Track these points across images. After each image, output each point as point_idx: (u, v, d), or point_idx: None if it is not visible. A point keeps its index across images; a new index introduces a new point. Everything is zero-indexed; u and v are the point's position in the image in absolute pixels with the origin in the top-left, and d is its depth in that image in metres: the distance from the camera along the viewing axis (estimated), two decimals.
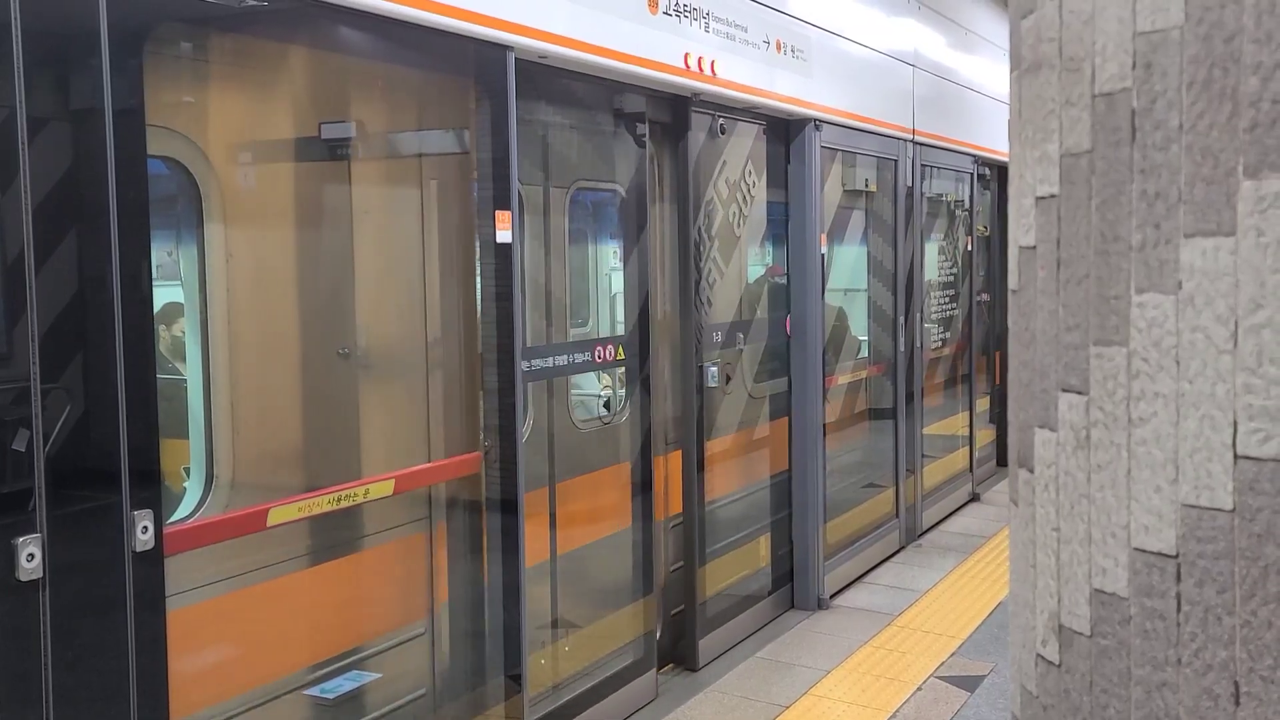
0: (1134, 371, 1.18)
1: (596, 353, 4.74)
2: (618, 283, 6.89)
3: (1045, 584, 1.34)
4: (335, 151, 3.88)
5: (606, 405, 5.34)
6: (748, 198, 5.95)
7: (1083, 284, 1.26)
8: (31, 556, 2.43)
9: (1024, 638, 1.41)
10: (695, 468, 5.29)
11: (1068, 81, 1.27)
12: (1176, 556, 1.14)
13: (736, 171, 5.83)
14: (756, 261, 6.38)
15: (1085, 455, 1.26)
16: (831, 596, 6.30)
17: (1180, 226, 1.13)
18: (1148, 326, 1.17)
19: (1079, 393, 1.27)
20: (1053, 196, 1.31)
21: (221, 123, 3.55)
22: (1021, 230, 1.40)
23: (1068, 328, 1.28)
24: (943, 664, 5.35)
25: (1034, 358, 1.37)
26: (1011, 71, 1.46)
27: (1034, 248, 1.36)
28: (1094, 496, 1.24)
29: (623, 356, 4.89)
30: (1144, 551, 1.17)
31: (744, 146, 5.87)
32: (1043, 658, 1.34)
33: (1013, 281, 1.45)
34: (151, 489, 2.71)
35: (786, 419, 6.23)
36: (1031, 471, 1.38)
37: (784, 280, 6.25)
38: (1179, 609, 1.13)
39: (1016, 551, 1.44)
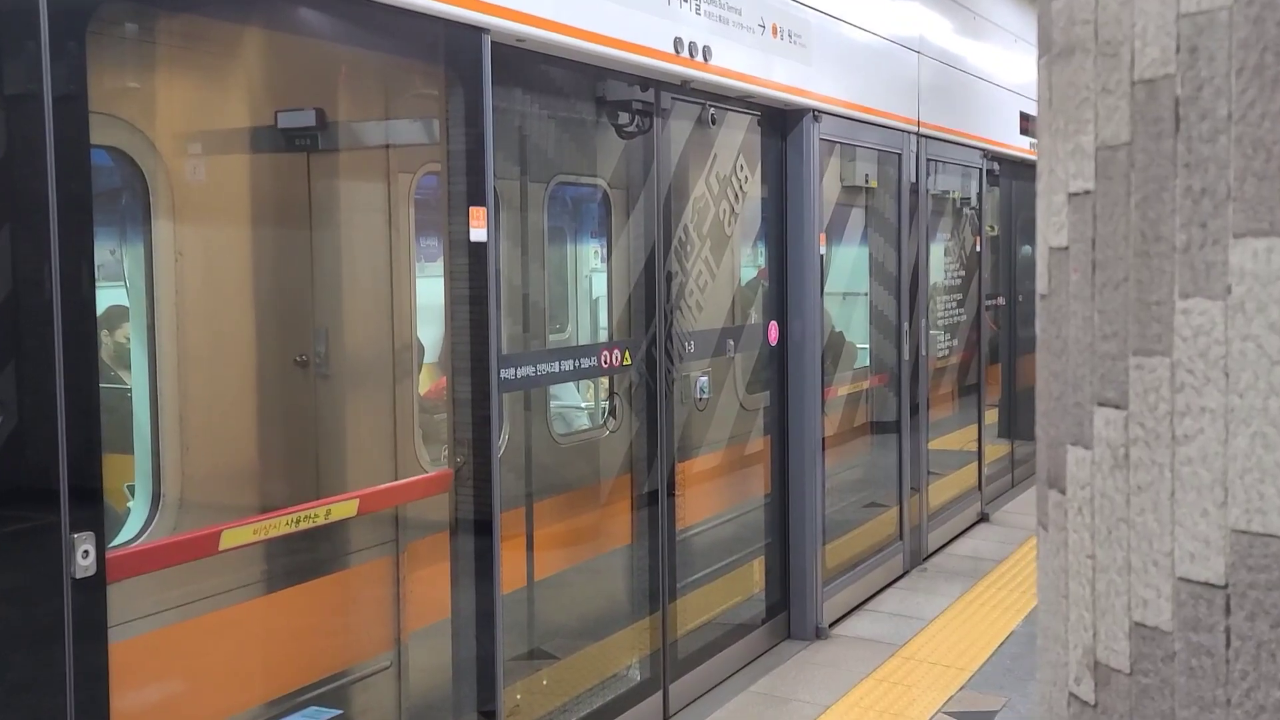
0: (1178, 384, 1.17)
1: (603, 358, 4.71)
2: (599, 285, 6.88)
3: (1079, 616, 1.32)
4: (294, 142, 3.85)
5: (601, 415, 5.32)
6: (739, 194, 5.94)
7: (1121, 288, 1.24)
8: None
9: (1054, 674, 1.40)
10: (665, 491, 5.18)
11: (1104, 67, 1.26)
12: (1226, 587, 1.12)
13: (727, 166, 5.83)
14: (750, 263, 6.38)
15: (1124, 475, 1.24)
16: (830, 625, 6.29)
17: (1229, 226, 1.12)
18: (1193, 335, 1.15)
19: (1117, 407, 1.25)
20: (1087, 193, 1.30)
21: (171, 110, 3.52)
22: (1052, 230, 1.38)
23: (1104, 336, 1.27)
24: (951, 698, 5.34)
25: (1066, 368, 1.35)
26: (1040, 57, 1.44)
27: (1066, 248, 1.34)
28: (1134, 521, 1.23)
29: (629, 362, 4.87)
30: (1189, 581, 1.16)
31: (735, 139, 5.86)
32: (1076, 697, 1.33)
33: (1042, 285, 1.43)
34: (93, 509, 2.67)
35: (774, 435, 6.20)
36: (1063, 493, 1.36)
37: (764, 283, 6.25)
38: (1228, 644, 1.12)
39: (1046, 580, 1.42)
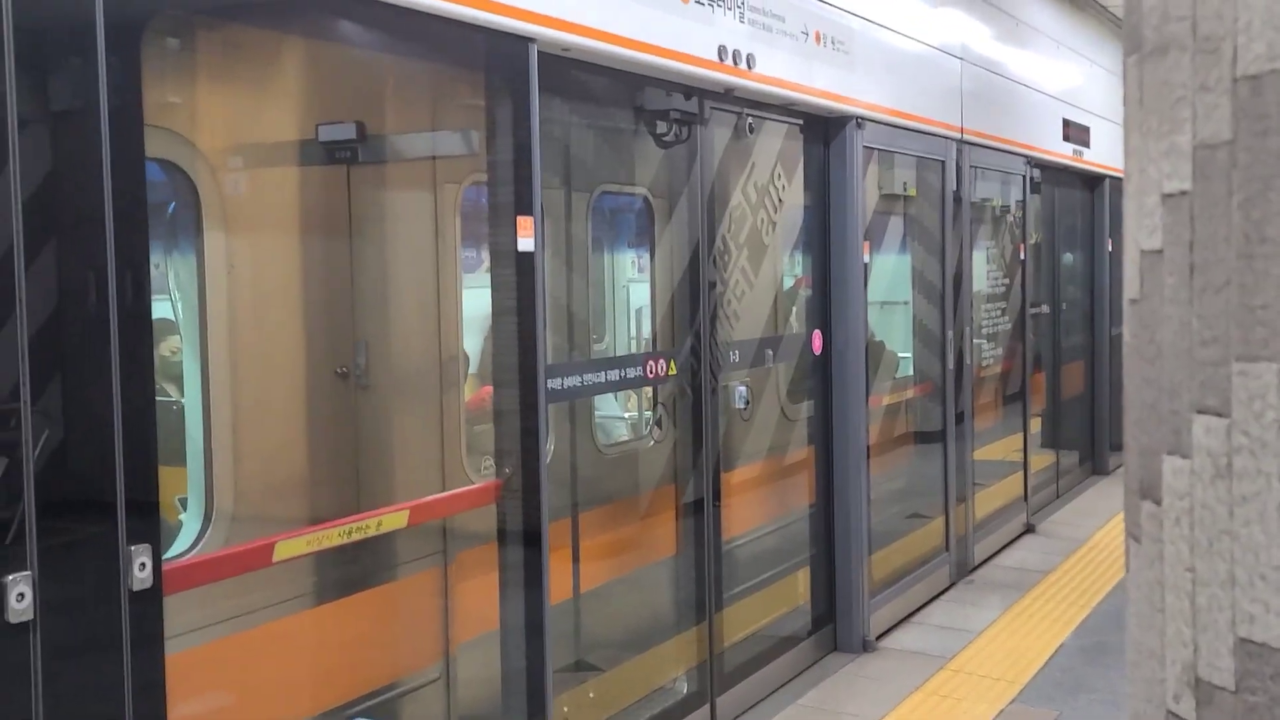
0: None
1: (648, 367, 4.69)
2: (637, 296, 6.86)
3: (1177, 630, 1.28)
4: (347, 154, 3.85)
5: (645, 425, 5.29)
6: (776, 203, 5.91)
7: (1222, 292, 1.20)
8: (21, 596, 2.39)
9: (1149, 691, 1.36)
10: (710, 501, 5.15)
11: (1202, 64, 1.22)
12: None
13: (765, 174, 5.80)
14: (788, 271, 6.34)
15: (1227, 486, 1.20)
16: (877, 637, 6.22)
17: None
18: None
19: (1218, 415, 1.21)
20: (1184, 194, 1.26)
21: (221, 122, 3.53)
22: (1144, 232, 1.35)
23: (1204, 341, 1.23)
24: (1002, 712, 5.27)
25: (1160, 375, 1.31)
26: (1128, 56, 1.41)
27: (1160, 251, 1.31)
28: (1238, 533, 1.19)
29: (674, 372, 4.84)
30: None
31: (774, 147, 5.83)
32: (1175, 715, 1.29)
33: (1132, 290, 1.40)
34: (149, 522, 2.67)
35: (818, 444, 6.16)
36: (1158, 504, 1.32)
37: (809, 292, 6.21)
38: None
39: (1140, 594, 1.38)
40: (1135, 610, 1.41)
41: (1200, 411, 1.24)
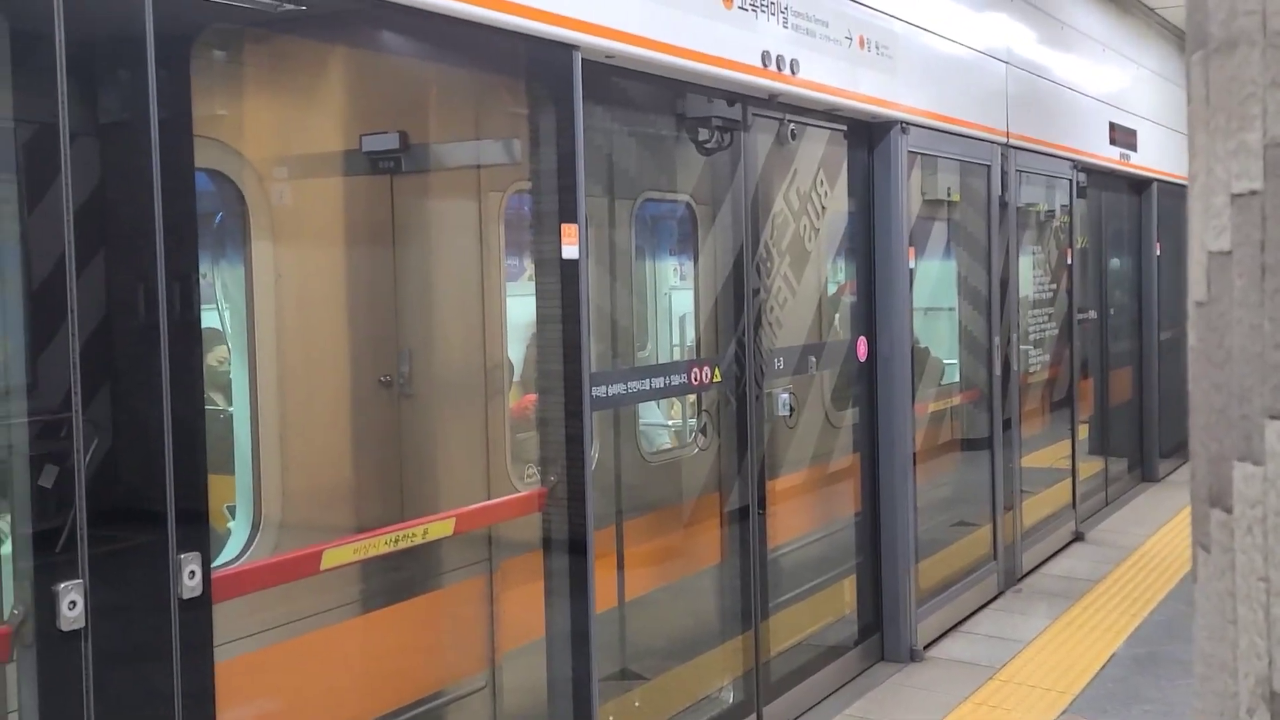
0: None
1: (692, 374, 4.66)
2: (679, 303, 6.84)
3: (1250, 642, 1.24)
4: (390, 163, 3.87)
5: (689, 432, 5.27)
6: (819, 209, 5.87)
7: None
8: (73, 604, 2.40)
9: (1220, 705, 1.32)
10: (755, 508, 5.12)
11: (1274, 59, 1.19)
12: None
13: (808, 181, 5.76)
14: (832, 278, 6.30)
15: None
16: (925, 647, 6.16)
17: None
18: None
19: None
20: (1254, 193, 1.22)
21: (267, 132, 3.55)
22: (1211, 233, 1.31)
23: (1276, 345, 1.19)
24: None
25: (1230, 379, 1.28)
26: (1192, 52, 1.37)
27: (1229, 253, 1.27)
28: None
29: (718, 379, 4.82)
30: None
31: (816, 153, 5.80)
32: None
33: (1199, 292, 1.36)
34: (199, 530, 2.68)
35: (863, 451, 6.11)
36: (1229, 512, 1.28)
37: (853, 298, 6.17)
38: None
39: (1209, 604, 1.35)
40: (1204, 622, 1.37)
41: (1273, 416, 1.20)
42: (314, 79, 3.77)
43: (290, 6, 3.29)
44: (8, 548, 2.67)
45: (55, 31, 2.42)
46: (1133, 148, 9.79)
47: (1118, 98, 9.52)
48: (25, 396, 2.58)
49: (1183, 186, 11.09)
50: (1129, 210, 10.62)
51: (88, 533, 2.45)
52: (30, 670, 2.42)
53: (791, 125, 5.32)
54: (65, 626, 2.40)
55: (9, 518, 2.67)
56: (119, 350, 2.62)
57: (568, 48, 3.82)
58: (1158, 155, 10.39)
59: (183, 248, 2.67)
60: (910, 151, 6.10)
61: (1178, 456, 11.18)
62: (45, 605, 2.39)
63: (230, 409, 3.86)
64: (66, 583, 2.40)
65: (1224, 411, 1.29)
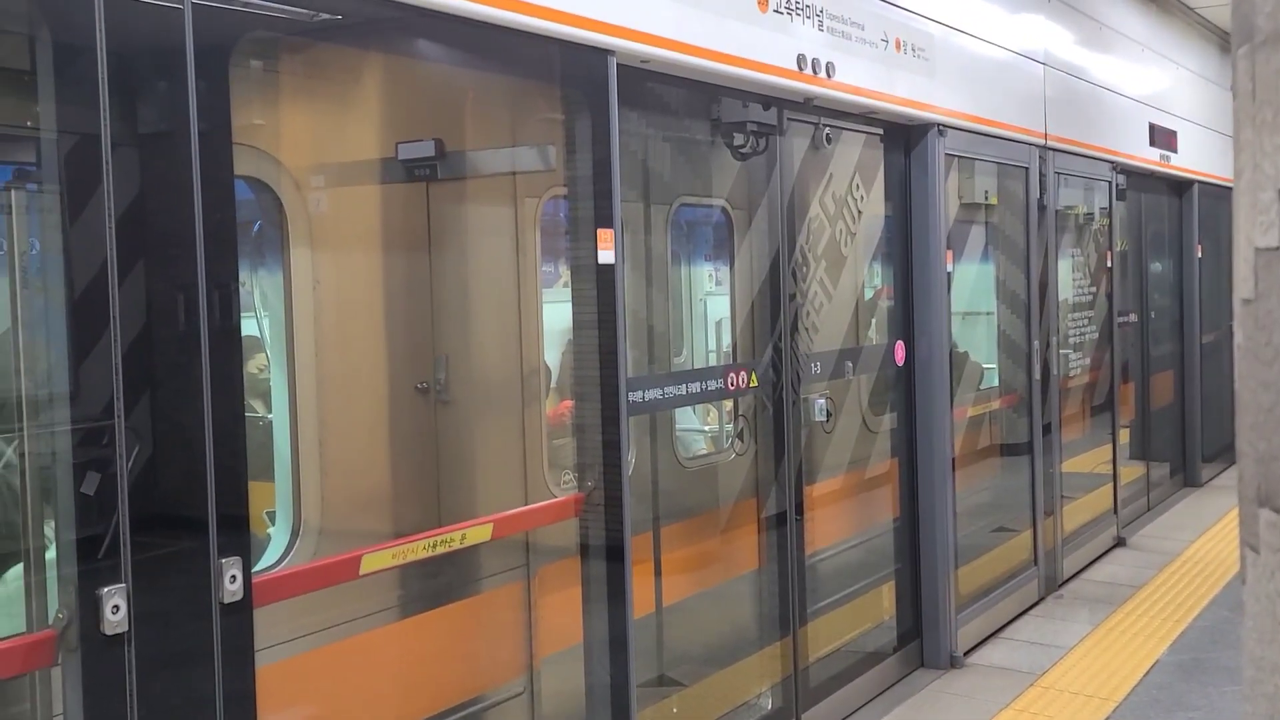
0: None
1: (729, 380, 4.65)
2: (714, 308, 6.82)
3: None
4: (426, 171, 3.88)
5: (725, 437, 5.25)
6: (855, 213, 5.85)
7: None
8: (116, 608, 2.42)
9: (1271, 708, 1.29)
10: (793, 514, 5.09)
11: None
12: None
13: (843, 184, 5.74)
14: (868, 282, 6.27)
15: None
16: (965, 653, 6.10)
17: None
18: None
19: None
20: None
21: (305, 140, 3.57)
22: (1259, 229, 1.29)
23: None
24: None
25: (1278, 377, 1.26)
26: (1238, 47, 1.35)
27: (1277, 249, 1.25)
28: None
29: (755, 384, 4.81)
30: None
31: (851, 156, 5.77)
32: None
33: (1246, 290, 1.34)
34: (239, 535, 2.70)
35: (902, 456, 6.07)
36: (1278, 512, 1.26)
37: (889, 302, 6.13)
38: None
39: (1259, 606, 1.32)
40: (1254, 624, 1.34)
41: None
42: (350, 87, 3.79)
43: (326, 16, 3.32)
44: (52, 553, 2.70)
45: (97, 44, 2.44)
46: (1173, 149, 9.68)
47: (1157, 98, 9.42)
48: (68, 404, 2.61)
49: (1225, 188, 11.00)
50: (1169, 212, 10.50)
51: (130, 538, 2.47)
52: (75, 674, 2.44)
53: (826, 130, 5.30)
54: (109, 630, 2.42)
55: (53, 524, 2.71)
56: (160, 358, 2.64)
57: (603, 53, 3.82)
58: (1198, 156, 10.26)
59: (223, 256, 2.69)
60: (948, 154, 6.06)
61: (1221, 461, 11.03)
62: (89, 610, 2.41)
63: (269, 416, 3.89)
64: (110, 587, 2.42)
65: (1272, 410, 1.27)
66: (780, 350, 4.97)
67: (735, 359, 5.30)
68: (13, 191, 3.14)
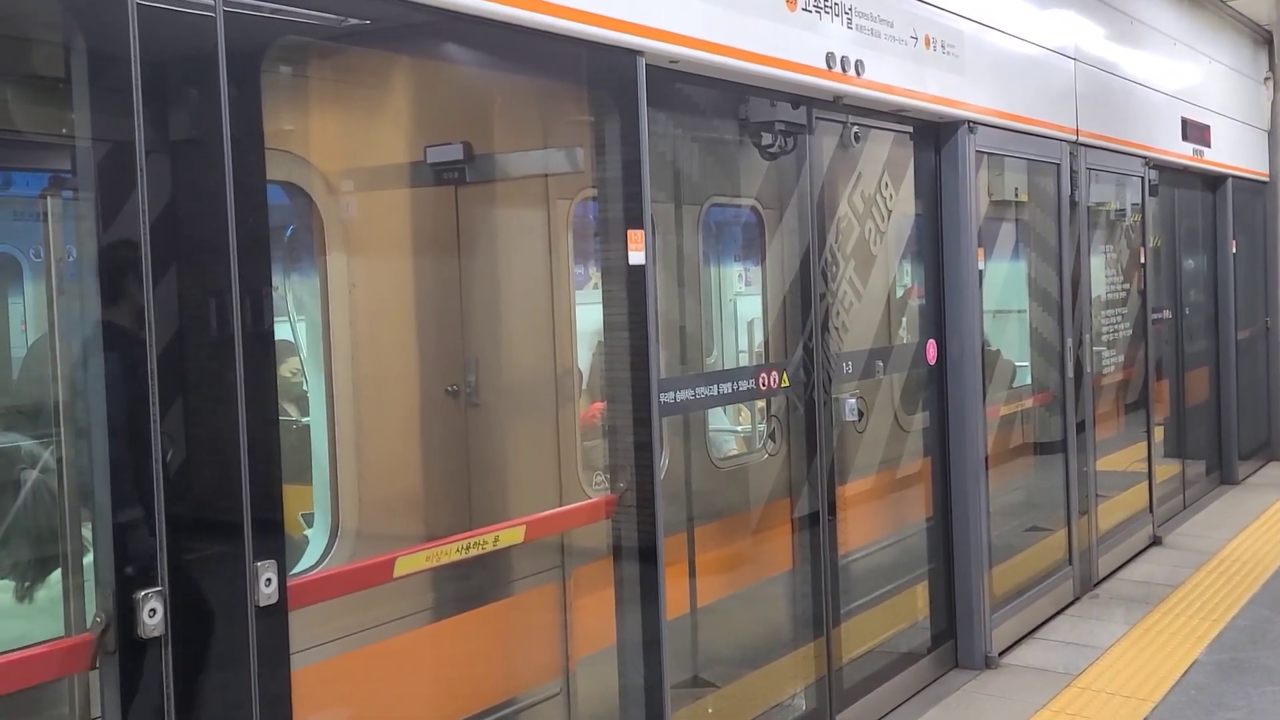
0: None
1: (760, 380, 4.63)
2: (744, 309, 6.80)
3: None
4: (455, 174, 3.89)
5: (758, 438, 5.23)
6: (885, 212, 5.81)
7: None
8: (153, 612, 2.43)
9: None
10: (826, 514, 5.06)
11: None
12: None
13: (873, 183, 5.71)
14: (898, 281, 6.23)
15: None
16: (1000, 654, 6.05)
17: None
18: None
19: None
20: None
21: (339, 144, 3.58)
22: None
23: None
24: None
25: None
26: None
27: None
28: None
29: (786, 384, 4.79)
30: None
31: (881, 154, 5.74)
32: None
33: None
34: (275, 538, 2.70)
35: (934, 455, 6.03)
36: None
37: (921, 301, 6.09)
38: None
39: None
40: None
41: None
42: (379, 91, 3.80)
43: (355, 21, 3.32)
44: (89, 557, 2.72)
45: (130, 51, 2.45)
46: (1206, 143, 9.57)
47: (1190, 93, 9.32)
48: (105, 409, 2.62)
49: (1260, 182, 10.87)
50: (1203, 207, 10.39)
51: (166, 542, 2.48)
52: (113, 677, 2.45)
53: (855, 129, 5.27)
54: (146, 634, 2.42)
55: (90, 528, 2.72)
56: (195, 362, 2.65)
57: (631, 53, 3.81)
58: (1232, 150, 10.15)
59: (256, 261, 2.70)
60: (978, 151, 6.02)
61: (1258, 458, 10.89)
62: (126, 613, 2.42)
63: (303, 420, 3.90)
64: (146, 591, 2.43)
65: None
66: (811, 350, 4.94)
67: (766, 359, 5.27)
68: (49, 198, 3.17)
